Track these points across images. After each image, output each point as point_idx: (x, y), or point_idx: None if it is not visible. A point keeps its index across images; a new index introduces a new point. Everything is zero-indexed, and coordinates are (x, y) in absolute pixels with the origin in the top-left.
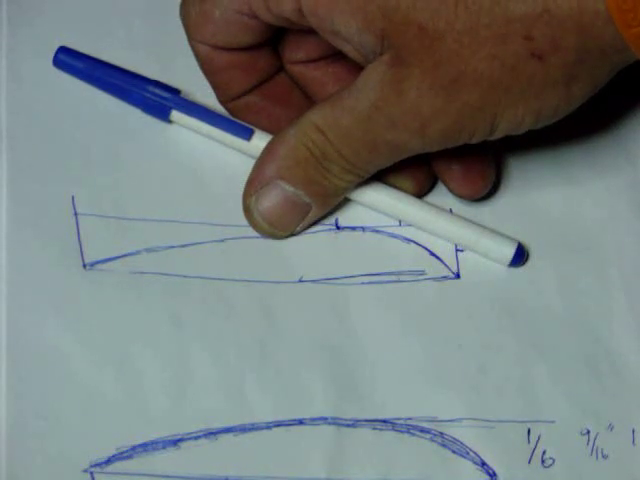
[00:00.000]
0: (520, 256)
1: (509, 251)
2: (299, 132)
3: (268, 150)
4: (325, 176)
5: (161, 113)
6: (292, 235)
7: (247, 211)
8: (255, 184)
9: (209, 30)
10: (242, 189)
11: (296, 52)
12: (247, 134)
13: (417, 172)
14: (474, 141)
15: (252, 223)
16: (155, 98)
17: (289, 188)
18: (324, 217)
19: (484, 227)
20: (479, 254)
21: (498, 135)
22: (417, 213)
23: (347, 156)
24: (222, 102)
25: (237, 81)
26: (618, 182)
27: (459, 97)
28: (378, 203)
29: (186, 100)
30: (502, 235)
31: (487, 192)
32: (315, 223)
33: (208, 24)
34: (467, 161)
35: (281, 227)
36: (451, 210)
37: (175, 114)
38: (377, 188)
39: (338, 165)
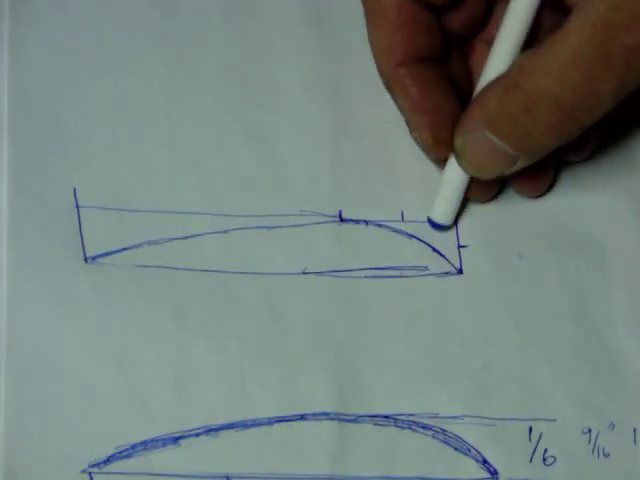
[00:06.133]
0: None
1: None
2: (509, 83)
3: (478, 98)
4: (531, 134)
5: None
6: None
7: (455, 151)
8: (463, 127)
9: None
10: (245, 179)
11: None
12: None
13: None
14: None
15: (459, 163)
16: None
17: (495, 139)
18: (328, 208)
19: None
20: None
21: None
22: None
23: (564, 100)
24: (385, 67)
25: (417, 40)
26: (618, 182)
27: None
28: None
29: None
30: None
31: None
32: (319, 215)
33: None
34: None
35: (486, 173)
36: None
37: None
38: None
39: (547, 120)
